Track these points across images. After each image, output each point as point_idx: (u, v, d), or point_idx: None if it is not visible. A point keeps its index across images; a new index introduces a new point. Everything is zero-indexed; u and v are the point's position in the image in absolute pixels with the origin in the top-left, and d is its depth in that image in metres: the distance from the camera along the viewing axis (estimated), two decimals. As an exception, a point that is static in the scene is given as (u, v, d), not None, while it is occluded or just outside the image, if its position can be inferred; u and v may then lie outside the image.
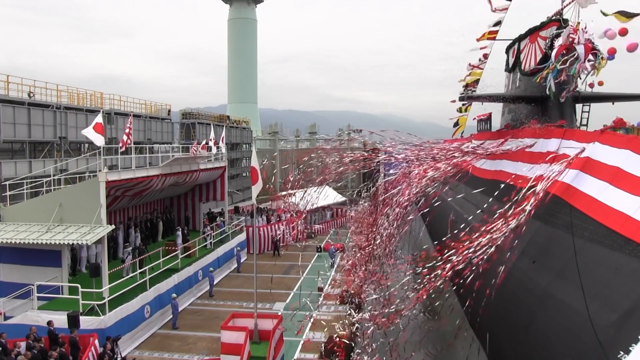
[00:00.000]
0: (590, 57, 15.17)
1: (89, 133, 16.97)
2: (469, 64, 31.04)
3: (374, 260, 17.38)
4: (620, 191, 11.00)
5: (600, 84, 19.26)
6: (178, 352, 16.72)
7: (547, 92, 16.94)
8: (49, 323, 13.87)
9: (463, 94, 26.26)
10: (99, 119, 17.26)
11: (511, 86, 23.99)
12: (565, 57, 15.62)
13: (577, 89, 18.59)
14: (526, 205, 12.22)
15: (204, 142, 27.46)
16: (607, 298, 9.47)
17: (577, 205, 12.13)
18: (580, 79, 17.27)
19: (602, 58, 15.32)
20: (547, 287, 11.52)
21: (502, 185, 14.52)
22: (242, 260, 28.84)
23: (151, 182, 21.11)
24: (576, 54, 15.26)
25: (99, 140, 17.03)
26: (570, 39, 15.51)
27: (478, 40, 25.24)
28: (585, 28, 15.50)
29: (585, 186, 12.38)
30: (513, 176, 15.09)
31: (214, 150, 28.23)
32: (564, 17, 18.45)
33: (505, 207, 12.65)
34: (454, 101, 31.49)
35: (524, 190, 12.80)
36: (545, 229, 13.13)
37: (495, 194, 14.31)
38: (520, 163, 16.72)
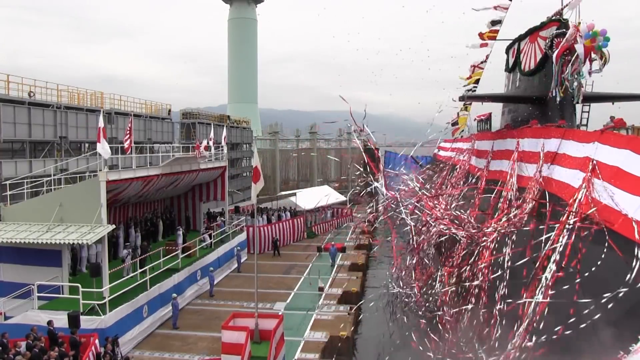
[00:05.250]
0: (594, 56, 15.14)
1: (100, 148, 17.05)
2: (471, 65, 31.03)
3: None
4: (620, 191, 11.01)
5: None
6: (178, 352, 16.71)
7: (552, 93, 16.84)
8: (49, 323, 13.85)
9: (463, 93, 26.22)
10: (100, 123, 17.24)
11: (511, 86, 23.97)
12: (566, 58, 15.59)
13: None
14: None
15: (204, 143, 27.43)
16: (607, 298, 9.48)
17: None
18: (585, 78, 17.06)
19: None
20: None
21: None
22: (242, 260, 28.83)
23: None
24: (576, 55, 15.24)
25: (106, 152, 17.08)
26: (572, 40, 15.48)
27: (480, 35, 25.12)
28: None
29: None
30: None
31: (213, 150, 28.19)
32: (564, 17, 18.46)
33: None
34: (454, 107, 31.30)
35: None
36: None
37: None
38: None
